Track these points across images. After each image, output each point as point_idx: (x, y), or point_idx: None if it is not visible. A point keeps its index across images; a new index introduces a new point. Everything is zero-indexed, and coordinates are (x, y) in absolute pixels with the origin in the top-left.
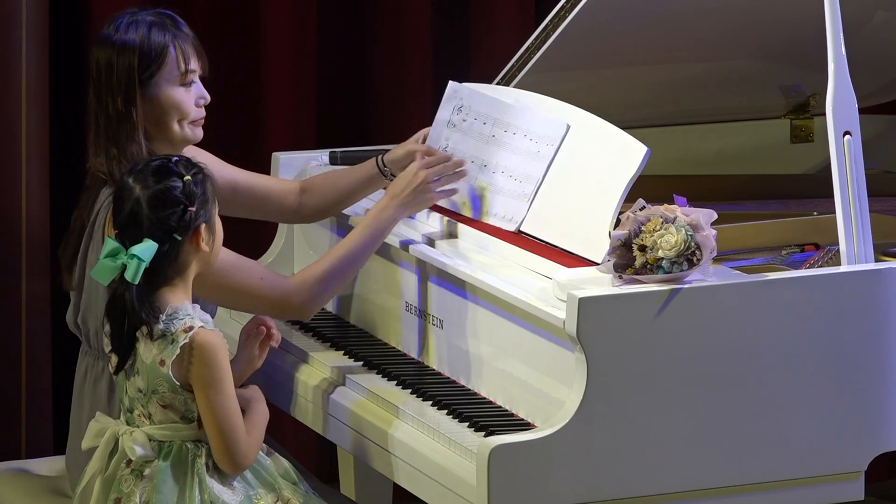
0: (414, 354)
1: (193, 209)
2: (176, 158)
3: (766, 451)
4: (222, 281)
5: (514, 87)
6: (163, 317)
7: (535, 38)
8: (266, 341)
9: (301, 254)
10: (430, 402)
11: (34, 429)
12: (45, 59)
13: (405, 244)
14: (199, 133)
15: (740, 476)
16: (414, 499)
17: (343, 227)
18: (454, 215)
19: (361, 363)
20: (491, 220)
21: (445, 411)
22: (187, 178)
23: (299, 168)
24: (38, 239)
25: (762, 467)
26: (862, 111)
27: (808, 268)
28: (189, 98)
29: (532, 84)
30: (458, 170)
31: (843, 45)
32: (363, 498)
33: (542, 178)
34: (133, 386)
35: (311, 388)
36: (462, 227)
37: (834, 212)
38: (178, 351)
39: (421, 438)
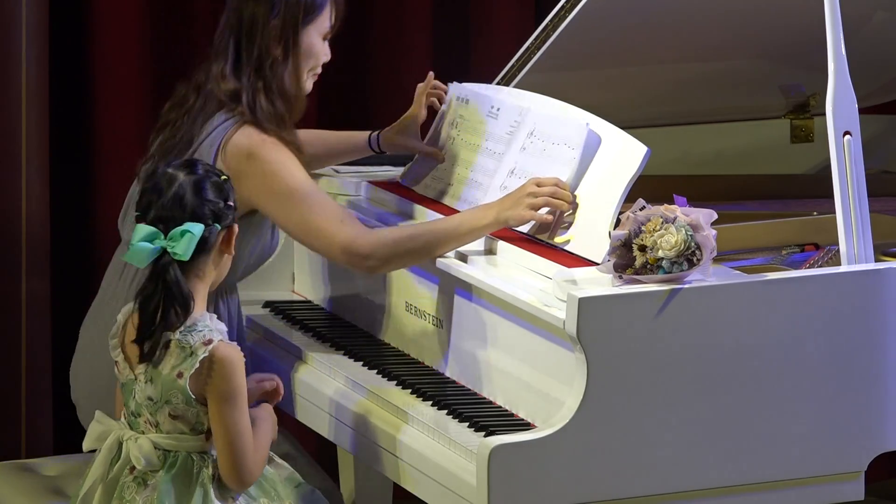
0: (414, 355)
1: (232, 205)
2: (202, 161)
3: (766, 451)
4: (307, 216)
5: (514, 87)
6: (180, 328)
7: (535, 38)
8: (273, 396)
9: (301, 254)
10: (431, 403)
11: (34, 429)
12: (45, 59)
13: None
14: (311, 87)
15: (740, 476)
16: (414, 499)
17: None
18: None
19: (362, 363)
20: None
21: (445, 411)
22: (224, 177)
23: None
24: (38, 239)
25: (762, 467)
26: (862, 111)
27: (808, 268)
28: (324, 51)
29: (532, 84)
30: (561, 201)
31: (843, 45)
32: (363, 498)
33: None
34: (143, 393)
35: (311, 388)
36: None
37: (834, 212)
38: (197, 364)
39: (421, 438)
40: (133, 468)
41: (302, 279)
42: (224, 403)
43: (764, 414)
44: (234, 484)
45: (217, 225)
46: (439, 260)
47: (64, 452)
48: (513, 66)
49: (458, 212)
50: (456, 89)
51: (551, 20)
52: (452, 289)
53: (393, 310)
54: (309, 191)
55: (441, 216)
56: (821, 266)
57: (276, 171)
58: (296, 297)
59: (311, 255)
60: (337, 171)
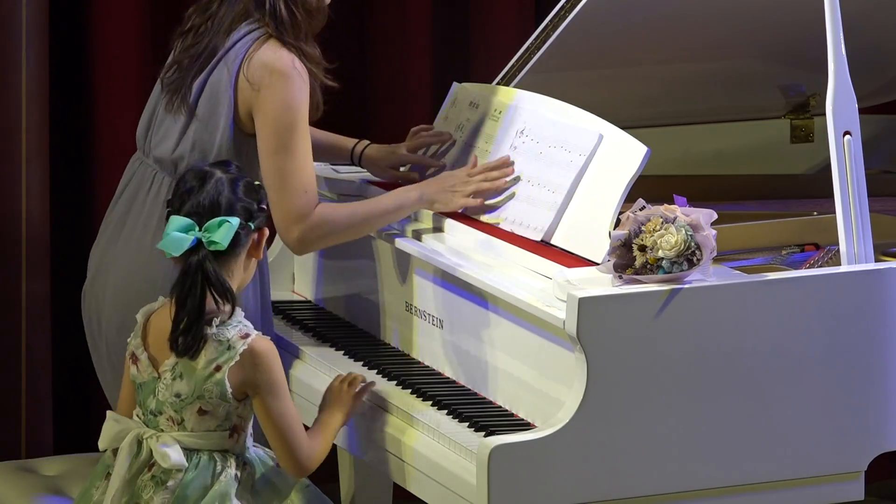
0: (414, 355)
1: (265, 208)
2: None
3: (765, 451)
4: (284, 166)
5: (514, 86)
6: (216, 321)
7: (535, 38)
8: (361, 392)
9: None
10: (431, 402)
11: (34, 429)
12: (45, 59)
13: (405, 244)
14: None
15: (740, 476)
16: (414, 499)
17: None
18: (473, 221)
19: (362, 363)
20: (516, 230)
21: (445, 411)
22: (258, 182)
23: None
24: (38, 239)
25: (762, 467)
26: (862, 111)
27: (808, 268)
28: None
29: (532, 84)
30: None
31: (843, 45)
32: (363, 498)
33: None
34: (169, 390)
35: (310, 388)
36: (462, 227)
37: (834, 212)
38: (236, 357)
39: (421, 438)
40: (151, 466)
41: (302, 279)
42: (268, 395)
43: (764, 414)
44: (293, 470)
45: (250, 224)
46: (439, 260)
47: (64, 452)
48: (513, 66)
49: (457, 212)
50: (462, 91)
51: (551, 20)
52: (452, 289)
53: (393, 310)
54: (300, 144)
55: (440, 215)
56: (821, 266)
57: (290, 105)
58: (296, 297)
59: (311, 255)
60: (337, 171)
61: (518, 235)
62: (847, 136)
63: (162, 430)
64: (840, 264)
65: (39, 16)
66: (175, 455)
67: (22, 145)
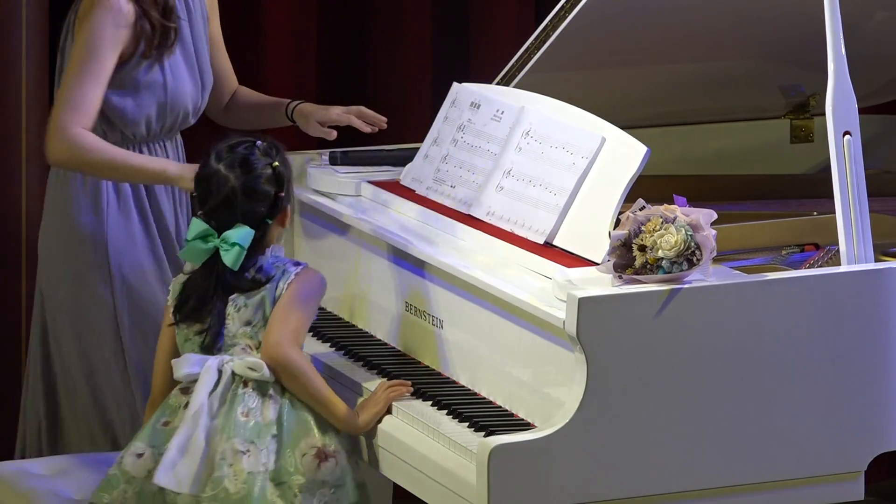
0: (414, 355)
1: (283, 194)
2: (259, 143)
3: (765, 451)
4: (65, 82)
5: (514, 87)
6: (262, 259)
7: (535, 38)
8: (399, 390)
9: (301, 254)
10: (431, 402)
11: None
12: (45, 59)
13: (405, 244)
14: None
15: (740, 476)
16: (414, 499)
17: (349, 231)
18: (473, 221)
19: (361, 363)
20: (518, 231)
21: (445, 411)
22: (275, 163)
23: (299, 168)
24: (38, 239)
25: (762, 467)
26: (862, 111)
27: (808, 268)
28: None
29: (532, 84)
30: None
31: (843, 45)
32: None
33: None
34: (240, 319)
35: None
36: (463, 227)
37: (834, 212)
38: (292, 277)
39: (421, 438)
40: (246, 383)
41: None
42: (295, 299)
43: (764, 414)
44: (266, 351)
45: (268, 220)
46: (440, 259)
47: (62, 452)
48: (513, 66)
49: (458, 212)
50: (462, 91)
51: (551, 20)
52: (452, 289)
53: (393, 310)
54: (89, 68)
55: (440, 215)
56: (821, 266)
57: (92, 32)
58: None
59: (311, 255)
60: (336, 171)
61: (518, 236)
62: (847, 136)
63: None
64: (840, 264)
65: (39, 16)
66: (260, 369)
67: (22, 145)
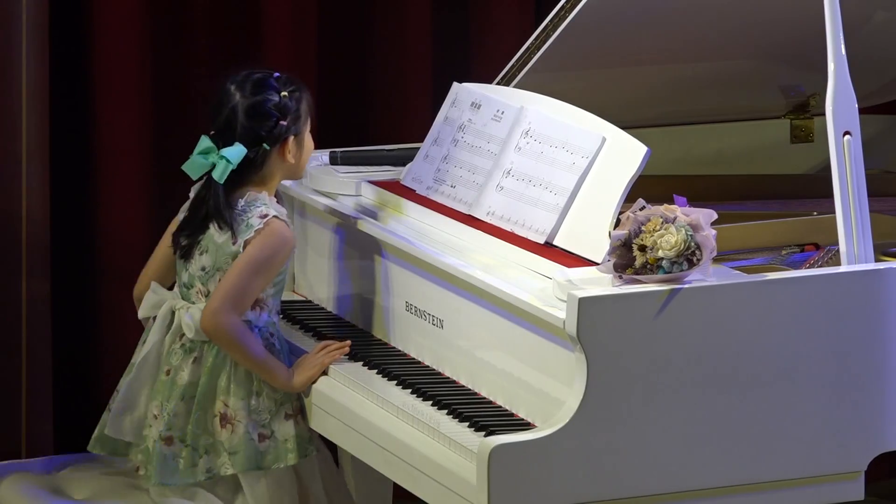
0: (414, 354)
1: (285, 123)
2: (277, 74)
3: (765, 450)
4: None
5: (514, 87)
6: (241, 202)
7: (535, 38)
8: (334, 354)
9: (302, 254)
10: (431, 402)
11: (34, 429)
12: (45, 59)
13: (405, 244)
14: None
15: (740, 476)
16: (414, 499)
17: (349, 231)
18: (473, 221)
19: (361, 363)
20: (518, 231)
21: (445, 411)
22: (284, 93)
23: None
24: (38, 239)
25: (762, 467)
26: (862, 111)
27: (808, 268)
28: None
29: (532, 84)
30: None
31: (843, 45)
32: (363, 498)
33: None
34: (197, 264)
35: (311, 388)
36: (463, 227)
37: (834, 212)
38: (251, 233)
39: (421, 438)
40: (182, 336)
41: (302, 279)
42: (249, 266)
43: (764, 414)
44: (204, 317)
45: (266, 145)
46: (440, 259)
47: (64, 452)
48: (513, 66)
49: (458, 212)
50: (463, 91)
51: (551, 20)
52: (452, 289)
53: (393, 310)
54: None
55: (440, 215)
56: (821, 266)
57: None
58: (296, 297)
59: (311, 255)
60: (336, 171)
61: (519, 236)
62: (847, 136)
63: (193, 303)
64: (840, 264)
65: (39, 16)
66: (197, 326)
67: (22, 145)
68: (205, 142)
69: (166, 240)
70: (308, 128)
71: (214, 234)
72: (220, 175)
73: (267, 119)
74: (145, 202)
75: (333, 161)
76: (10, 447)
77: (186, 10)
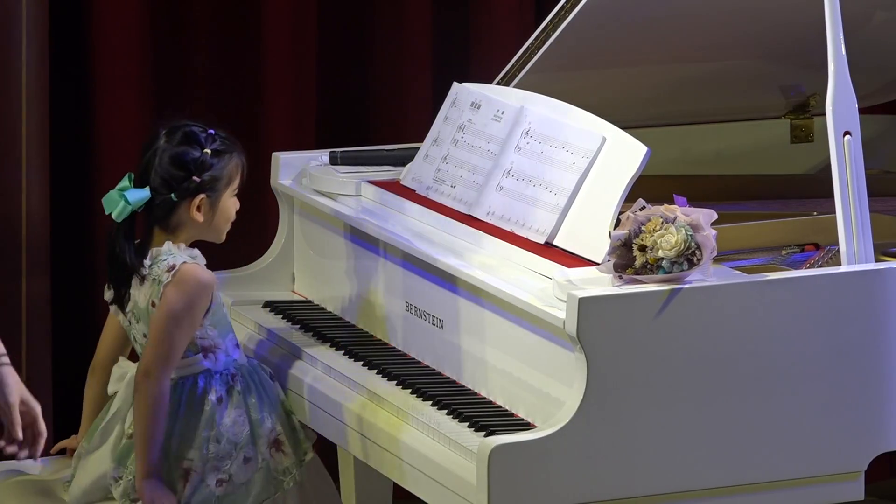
0: (414, 354)
1: (198, 179)
2: (212, 132)
3: (766, 451)
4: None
5: (514, 87)
6: (147, 261)
7: (535, 38)
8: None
9: (301, 254)
10: (431, 402)
11: None
12: (45, 59)
13: (405, 244)
14: None
15: (740, 476)
16: (414, 499)
17: (349, 231)
18: (473, 221)
19: (361, 363)
20: (518, 231)
21: (445, 411)
22: (207, 150)
23: (299, 168)
24: (38, 239)
25: (762, 467)
26: (862, 111)
27: (808, 268)
28: None
29: (532, 84)
30: None
31: (843, 45)
32: (363, 498)
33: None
34: (139, 332)
35: (310, 388)
36: (463, 227)
37: (834, 212)
38: (162, 289)
39: (421, 438)
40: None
41: (302, 279)
42: (166, 319)
43: (764, 414)
44: (136, 377)
45: (173, 196)
46: (440, 259)
47: (64, 452)
48: (513, 66)
49: (458, 212)
50: (463, 91)
51: (551, 20)
52: (452, 289)
53: (393, 310)
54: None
55: (440, 215)
56: (821, 266)
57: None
58: (296, 297)
59: (311, 255)
60: (336, 171)
61: (519, 236)
62: (847, 136)
63: None
64: (840, 264)
65: (39, 16)
66: None
67: (22, 145)
68: (126, 179)
69: (112, 319)
70: (230, 193)
71: (137, 298)
72: (117, 214)
73: (180, 170)
74: None
75: (333, 161)
76: None
77: (186, 10)
